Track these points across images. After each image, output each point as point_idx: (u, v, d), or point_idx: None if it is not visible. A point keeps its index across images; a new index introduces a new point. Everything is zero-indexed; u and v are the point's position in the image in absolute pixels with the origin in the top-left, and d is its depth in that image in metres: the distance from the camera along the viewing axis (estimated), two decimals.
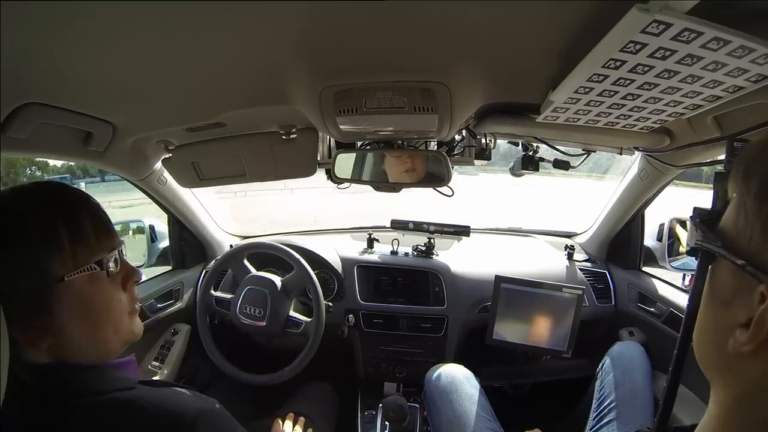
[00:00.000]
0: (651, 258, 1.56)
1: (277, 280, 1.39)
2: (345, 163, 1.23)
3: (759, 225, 0.30)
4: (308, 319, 1.35)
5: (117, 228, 0.58)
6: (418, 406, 1.42)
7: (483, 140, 1.23)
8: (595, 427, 1.12)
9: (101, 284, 0.52)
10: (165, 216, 1.59)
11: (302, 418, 1.25)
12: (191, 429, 0.50)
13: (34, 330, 0.48)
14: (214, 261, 1.44)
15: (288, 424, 1.23)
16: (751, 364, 0.30)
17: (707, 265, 0.35)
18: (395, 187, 1.26)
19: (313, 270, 1.39)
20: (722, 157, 0.96)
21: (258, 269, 1.44)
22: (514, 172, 1.31)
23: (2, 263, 0.46)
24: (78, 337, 0.51)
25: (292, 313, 1.38)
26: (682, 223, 1.37)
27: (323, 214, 7.73)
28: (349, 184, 1.28)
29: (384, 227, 1.83)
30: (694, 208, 0.36)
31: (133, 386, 0.52)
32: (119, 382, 0.52)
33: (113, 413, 0.49)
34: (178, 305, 1.56)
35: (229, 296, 1.41)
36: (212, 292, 1.44)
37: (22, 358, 0.48)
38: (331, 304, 1.43)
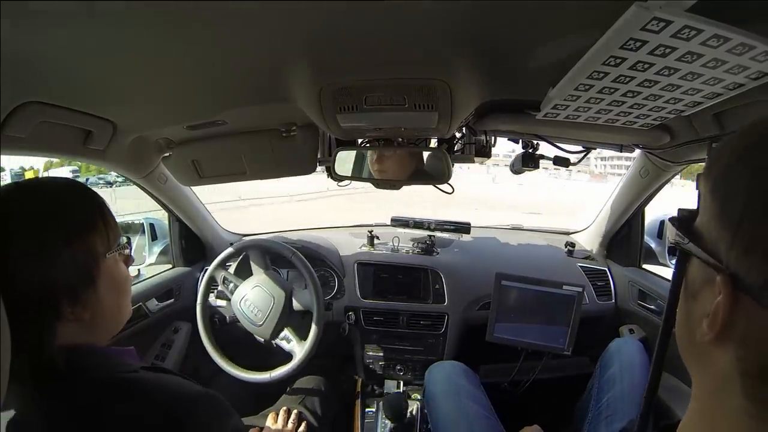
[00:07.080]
0: (651, 255, 1.56)
1: (288, 293, 1.37)
2: (345, 160, 1.23)
3: (715, 220, 0.31)
4: (297, 348, 1.32)
5: None
6: (418, 403, 1.42)
7: (483, 138, 1.23)
8: (593, 422, 1.12)
9: (120, 263, 0.61)
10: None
11: (296, 411, 1.27)
12: (190, 410, 0.53)
13: (80, 304, 0.53)
14: (216, 259, 1.44)
15: (281, 418, 1.25)
16: (717, 354, 0.31)
17: (685, 262, 0.36)
18: (395, 185, 1.26)
19: (313, 267, 1.38)
20: None
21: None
22: (515, 170, 1.31)
23: (54, 239, 0.51)
24: (109, 309, 0.57)
25: (282, 337, 1.35)
26: None
27: None
28: (349, 181, 1.28)
29: (384, 224, 1.83)
30: (678, 209, 0.37)
31: (136, 370, 0.56)
32: (122, 366, 0.56)
33: (116, 392, 0.52)
34: (179, 303, 1.56)
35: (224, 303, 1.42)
36: (212, 294, 1.44)
37: (49, 343, 0.51)
38: (331, 302, 1.43)
